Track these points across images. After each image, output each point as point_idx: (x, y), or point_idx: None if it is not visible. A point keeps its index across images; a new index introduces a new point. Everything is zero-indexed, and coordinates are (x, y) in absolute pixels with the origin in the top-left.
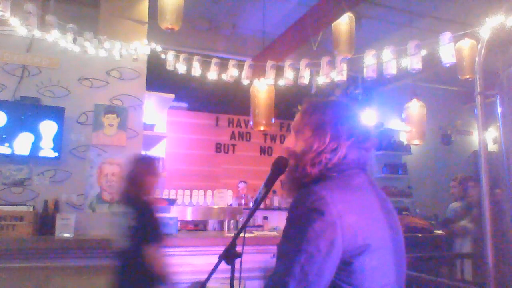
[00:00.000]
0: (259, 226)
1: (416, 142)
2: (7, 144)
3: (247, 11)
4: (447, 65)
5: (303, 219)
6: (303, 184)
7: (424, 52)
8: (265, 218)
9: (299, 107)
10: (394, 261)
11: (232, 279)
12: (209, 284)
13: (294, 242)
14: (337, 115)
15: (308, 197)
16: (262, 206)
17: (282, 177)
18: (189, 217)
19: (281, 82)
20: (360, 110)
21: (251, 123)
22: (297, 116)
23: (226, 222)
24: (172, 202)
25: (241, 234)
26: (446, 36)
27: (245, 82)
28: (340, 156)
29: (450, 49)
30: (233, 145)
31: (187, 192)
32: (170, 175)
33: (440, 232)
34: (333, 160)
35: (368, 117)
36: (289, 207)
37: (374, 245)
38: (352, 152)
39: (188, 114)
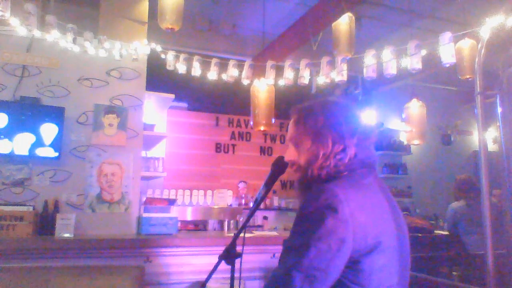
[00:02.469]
0: (259, 226)
1: (416, 142)
2: (7, 144)
3: (247, 11)
4: (447, 65)
5: (315, 215)
6: (314, 185)
7: (424, 52)
8: (265, 218)
9: (292, 119)
10: (398, 262)
11: (232, 279)
12: (209, 284)
13: (304, 237)
14: (331, 116)
15: (321, 194)
16: (262, 206)
17: (282, 177)
18: (189, 217)
19: (281, 82)
20: (354, 106)
21: (251, 123)
22: (291, 127)
23: (226, 222)
24: (172, 202)
25: (241, 234)
26: (446, 36)
27: (245, 82)
28: (351, 156)
29: (450, 49)
30: (233, 145)
31: (187, 192)
32: (170, 175)
33: (440, 232)
34: (344, 160)
35: (368, 117)
36: (300, 203)
37: (383, 245)
38: (360, 152)
39: (188, 114)
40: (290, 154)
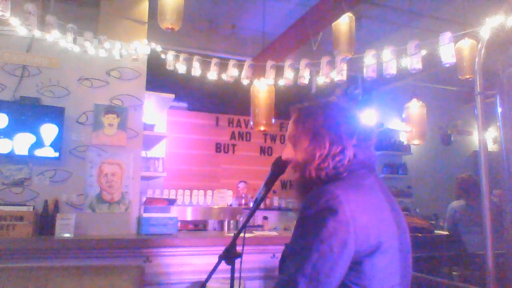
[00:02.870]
0: (259, 226)
1: (416, 142)
2: (7, 144)
3: (247, 11)
4: (447, 65)
5: (316, 217)
6: (313, 186)
7: (424, 52)
8: (265, 218)
9: (292, 117)
10: (400, 262)
11: (232, 279)
12: (209, 284)
13: (306, 241)
14: (330, 117)
15: (322, 196)
16: (262, 206)
17: (282, 177)
18: (189, 217)
19: (281, 82)
20: (354, 108)
21: (251, 123)
22: (290, 126)
23: (226, 222)
24: (172, 202)
25: (241, 234)
26: (446, 36)
27: (245, 82)
28: (350, 157)
29: (450, 49)
30: (233, 145)
31: (187, 192)
32: (170, 175)
33: (440, 232)
34: (343, 161)
35: (368, 117)
36: (301, 206)
37: (384, 246)
38: (360, 153)
39: (188, 114)
40: (287, 152)
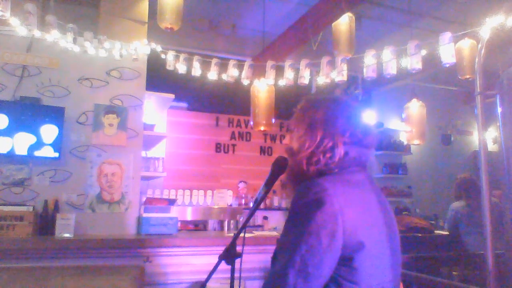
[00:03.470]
0: (259, 226)
1: (416, 142)
2: (7, 144)
3: (247, 11)
4: (447, 65)
5: (305, 209)
6: (304, 180)
7: (424, 52)
8: (265, 218)
9: (298, 106)
10: (390, 260)
11: (232, 279)
12: (209, 284)
13: (295, 233)
14: (330, 112)
15: (311, 188)
16: (262, 206)
17: (282, 177)
18: (189, 217)
19: (281, 82)
20: (359, 107)
21: (251, 123)
22: (294, 114)
23: (226, 222)
24: (172, 202)
25: (241, 234)
26: (446, 36)
27: (245, 82)
28: (341, 155)
29: (450, 49)
30: (233, 145)
31: (187, 192)
32: (170, 175)
33: (440, 232)
34: (334, 158)
35: (368, 117)
36: (292, 199)
37: (372, 242)
38: (352, 150)
39: (188, 114)
40: (287, 139)
